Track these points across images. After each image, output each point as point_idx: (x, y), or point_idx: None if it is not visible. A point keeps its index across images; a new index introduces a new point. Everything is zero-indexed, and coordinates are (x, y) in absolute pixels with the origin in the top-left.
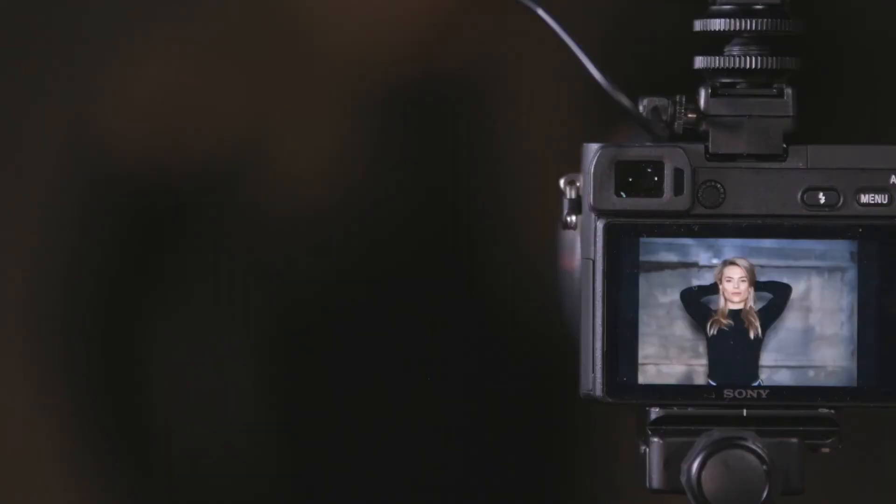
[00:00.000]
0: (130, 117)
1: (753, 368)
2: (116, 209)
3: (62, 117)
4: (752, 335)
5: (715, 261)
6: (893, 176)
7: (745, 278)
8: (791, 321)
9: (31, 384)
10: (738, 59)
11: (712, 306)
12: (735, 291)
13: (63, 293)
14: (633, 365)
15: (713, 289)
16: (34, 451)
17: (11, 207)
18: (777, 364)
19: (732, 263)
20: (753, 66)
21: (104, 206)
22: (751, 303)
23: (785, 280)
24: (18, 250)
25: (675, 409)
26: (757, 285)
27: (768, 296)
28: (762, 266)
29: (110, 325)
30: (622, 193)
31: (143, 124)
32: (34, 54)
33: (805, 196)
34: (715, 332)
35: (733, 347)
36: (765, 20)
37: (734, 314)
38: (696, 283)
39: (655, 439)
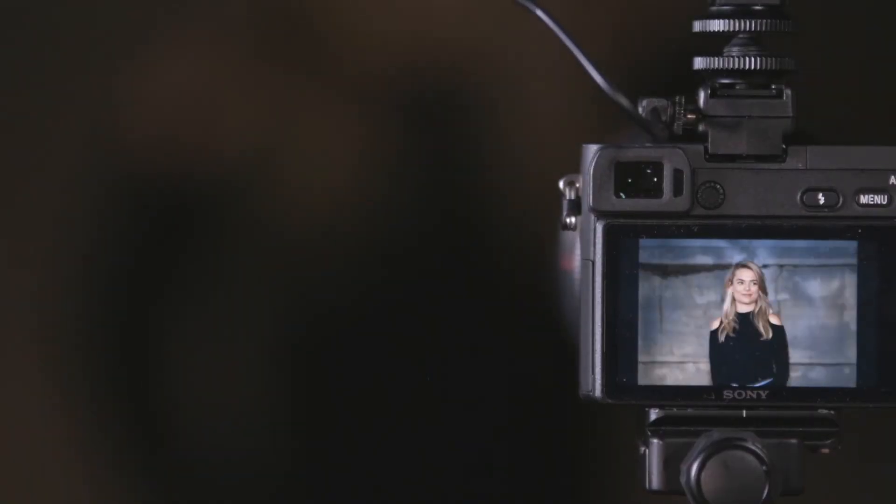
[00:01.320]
0: (147, 121)
1: (758, 370)
2: (132, 212)
3: (79, 121)
4: (759, 337)
5: (718, 262)
6: (893, 176)
7: (756, 281)
8: (797, 323)
9: (48, 383)
10: (737, 59)
11: (718, 309)
12: (746, 293)
13: (80, 294)
14: (632, 366)
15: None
16: (52, 449)
17: (29, 209)
18: (782, 365)
19: (744, 266)
20: (752, 67)
21: (121, 208)
22: (762, 304)
23: (797, 278)
24: (36, 252)
25: (675, 409)
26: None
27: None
28: (766, 266)
29: (126, 325)
30: (621, 194)
31: (159, 128)
32: (51, 59)
33: (804, 197)
34: (721, 336)
35: (739, 349)
36: (764, 21)
37: (742, 317)
38: (700, 286)
39: (655, 440)
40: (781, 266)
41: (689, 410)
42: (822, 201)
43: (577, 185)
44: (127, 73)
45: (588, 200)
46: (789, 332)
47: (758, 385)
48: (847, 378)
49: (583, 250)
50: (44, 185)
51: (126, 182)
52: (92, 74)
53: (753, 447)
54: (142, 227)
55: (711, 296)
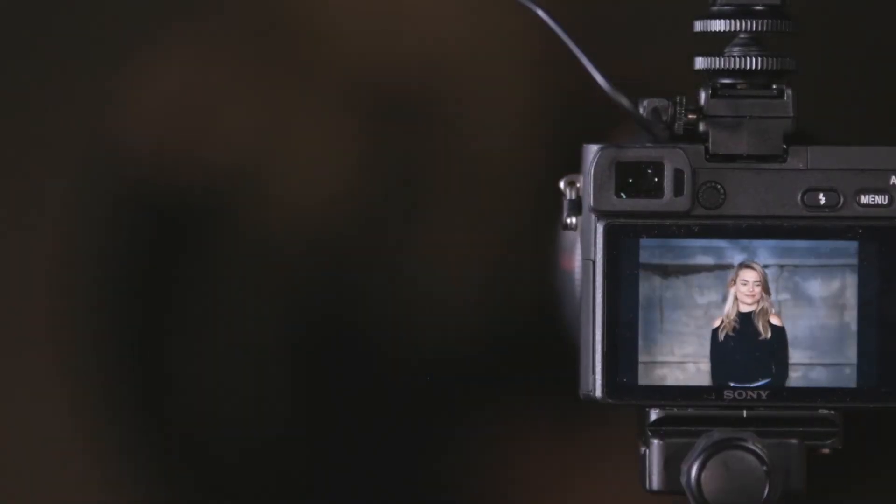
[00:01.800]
0: (147, 128)
1: (758, 370)
2: (138, 216)
3: (81, 132)
4: (758, 337)
5: (719, 262)
6: (893, 177)
7: (759, 282)
8: (798, 323)
9: (62, 385)
10: (738, 59)
11: (718, 309)
12: (750, 293)
13: (90, 297)
14: (632, 366)
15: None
16: (66, 448)
17: (35, 215)
18: (782, 365)
19: (748, 267)
20: (753, 67)
21: (127, 212)
22: (764, 304)
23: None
24: (43, 257)
25: (675, 410)
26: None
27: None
28: (766, 266)
29: (131, 327)
30: (622, 194)
31: (159, 135)
32: (51, 69)
33: (805, 197)
34: (721, 334)
35: (739, 349)
36: (765, 21)
37: (743, 316)
38: (701, 286)
39: (655, 440)
40: (782, 266)
41: (690, 410)
42: (822, 201)
43: (578, 185)
44: (125, 81)
45: (589, 200)
46: (790, 333)
47: (756, 384)
48: (847, 378)
49: (583, 250)
50: (49, 193)
51: (130, 187)
52: (91, 84)
53: (754, 447)
54: (148, 230)
55: (712, 296)
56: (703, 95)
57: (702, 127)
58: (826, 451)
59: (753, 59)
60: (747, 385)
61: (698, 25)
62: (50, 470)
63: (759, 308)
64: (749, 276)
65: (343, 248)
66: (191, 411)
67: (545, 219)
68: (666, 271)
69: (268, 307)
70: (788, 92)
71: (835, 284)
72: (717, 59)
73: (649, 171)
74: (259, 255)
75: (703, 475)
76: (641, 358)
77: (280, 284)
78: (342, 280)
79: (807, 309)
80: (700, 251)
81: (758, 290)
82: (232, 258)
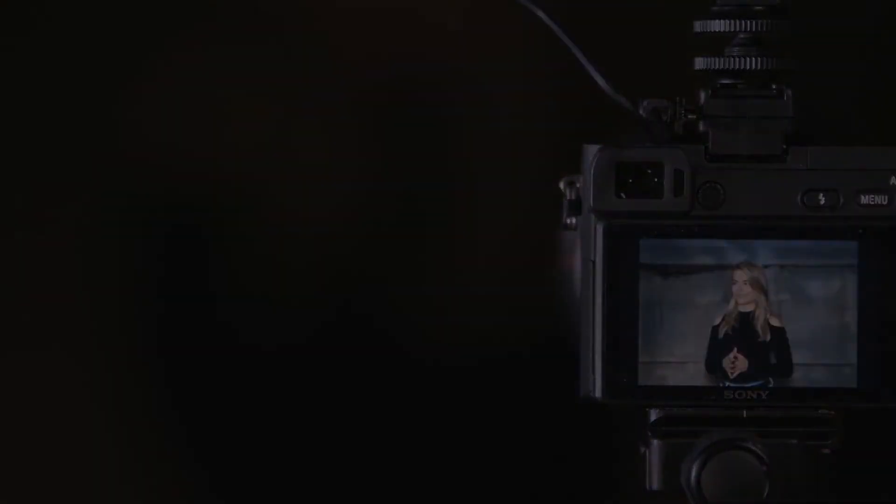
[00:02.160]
0: (160, 137)
1: (756, 370)
2: (152, 223)
3: (89, 137)
4: (757, 338)
5: (718, 262)
6: (893, 177)
7: (748, 282)
8: (798, 323)
9: (73, 386)
10: (737, 59)
11: (719, 308)
12: (748, 294)
13: (91, 297)
14: (632, 366)
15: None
16: (79, 447)
17: (61, 222)
18: (780, 366)
19: (738, 268)
20: (753, 67)
21: (137, 220)
22: (761, 305)
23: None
24: (50, 260)
25: (675, 410)
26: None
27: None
28: (767, 266)
29: (147, 326)
30: (622, 194)
31: (173, 142)
32: (63, 78)
33: (805, 197)
34: (720, 332)
35: (737, 348)
36: (765, 21)
37: (743, 316)
38: (701, 286)
39: (655, 440)
40: (782, 266)
41: (690, 410)
42: (822, 201)
43: (578, 185)
44: (134, 89)
45: (588, 201)
46: (790, 333)
47: (754, 384)
48: (848, 378)
49: (583, 250)
50: (64, 203)
51: (144, 197)
52: (98, 95)
53: (754, 447)
54: (162, 236)
55: (712, 296)
56: (702, 95)
57: (702, 127)
58: (826, 451)
59: (753, 59)
60: (744, 385)
61: (698, 25)
62: (61, 466)
63: (757, 309)
64: (738, 276)
65: (344, 248)
66: (199, 415)
67: (545, 219)
68: (666, 271)
69: (276, 311)
70: (788, 92)
71: (835, 285)
72: (717, 59)
73: (649, 171)
74: (266, 260)
75: (703, 475)
76: (641, 358)
77: (288, 288)
78: (342, 280)
79: (807, 309)
80: (700, 251)
81: (747, 289)
82: (242, 262)
